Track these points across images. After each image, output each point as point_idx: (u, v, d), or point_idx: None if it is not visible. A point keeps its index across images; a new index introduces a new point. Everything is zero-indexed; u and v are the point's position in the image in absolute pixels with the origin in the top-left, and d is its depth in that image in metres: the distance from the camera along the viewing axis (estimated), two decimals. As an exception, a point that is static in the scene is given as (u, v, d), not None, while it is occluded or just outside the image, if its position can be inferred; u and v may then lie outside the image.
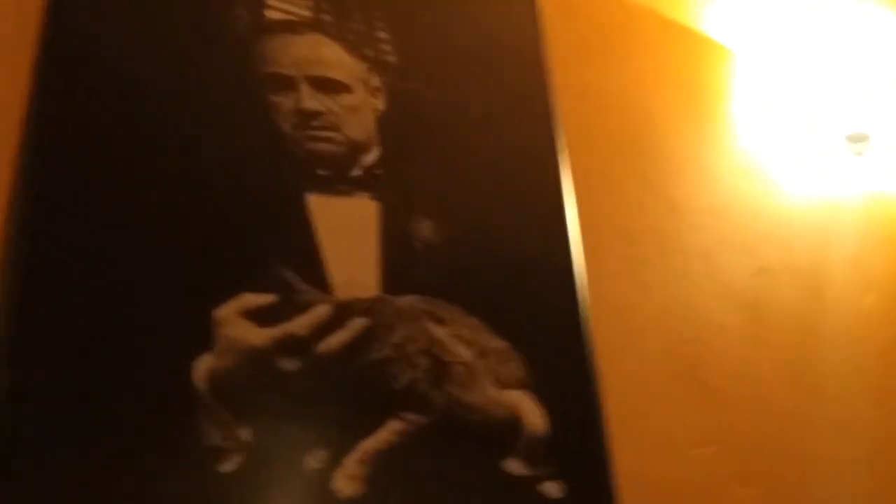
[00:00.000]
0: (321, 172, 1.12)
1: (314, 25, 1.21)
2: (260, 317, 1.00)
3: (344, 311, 1.05)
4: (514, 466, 1.06)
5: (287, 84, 1.14)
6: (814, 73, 1.58)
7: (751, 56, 1.57)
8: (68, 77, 1.02)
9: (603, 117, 1.38)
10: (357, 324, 1.05)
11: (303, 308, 1.03)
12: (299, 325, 1.01)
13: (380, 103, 1.21)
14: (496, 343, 1.12)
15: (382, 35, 1.25)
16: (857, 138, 1.54)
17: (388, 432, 1.01)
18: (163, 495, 0.89)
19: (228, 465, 0.92)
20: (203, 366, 0.95)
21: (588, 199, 1.27)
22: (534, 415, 1.10)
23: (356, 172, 1.15)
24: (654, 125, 1.43)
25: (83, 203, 0.97)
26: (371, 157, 1.17)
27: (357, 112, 1.18)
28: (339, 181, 1.13)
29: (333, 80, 1.18)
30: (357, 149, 1.16)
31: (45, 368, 0.89)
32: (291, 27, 1.19)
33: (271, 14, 1.18)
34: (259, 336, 0.99)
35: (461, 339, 1.10)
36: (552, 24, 1.36)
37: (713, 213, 1.41)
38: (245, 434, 0.94)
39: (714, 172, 1.45)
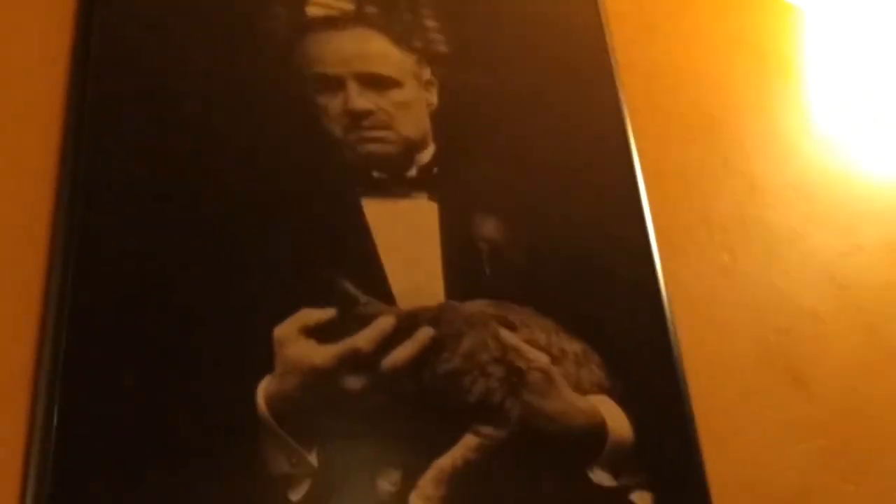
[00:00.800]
0: (376, 175, 1.07)
1: (358, 19, 1.16)
2: (321, 333, 0.95)
3: (409, 322, 1.00)
4: (601, 477, 1.01)
5: (334, 84, 1.10)
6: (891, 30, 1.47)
7: (822, 13, 1.47)
8: (108, 92, 0.98)
9: (672, 96, 1.31)
10: (423, 334, 1.00)
11: (365, 321, 0.98)
12: (363, 339, 0.97)
13: (433, 97, 1.16)
14: (573, 345, 1.07)
15: (431, 24, 1.20)
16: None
17: (464, 448, 0.96)
18: (230, 528, 0.85)
19: (297, 493, 0.88)
20: (265, 389, 0.90)
21: (662, 184, 1.20)
22: (618, 420, 1.05)
23: (412, 172, 1.10)
24: (728, 100, 1.35)
25: (136, 223, 0.93)
26: (427, 154, 1.12)
27: (409, 108, 1.13)
28: (395, 183, 1.08)
29: (382, 75, 1.13)
30: (412, 147, 1.11)
31: (101, 397, 0.84)
32: (334, 23, 1.14)
33: (312, 10, 1.14)
34: (321, 354, 0.94)
35: (535, 343, 1.05)
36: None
37: (797, 190, 1.33)
38: (312, 458, 0.90)
39: (795, 146, 1.37)
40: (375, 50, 1.15)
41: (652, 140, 1.23)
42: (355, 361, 0.95)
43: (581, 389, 1.05)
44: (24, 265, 0.85)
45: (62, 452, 0.80)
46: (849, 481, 1.16)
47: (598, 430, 1.03)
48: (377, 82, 1.12)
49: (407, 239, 1.05)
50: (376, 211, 1.05)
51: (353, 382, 0.94)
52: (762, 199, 1.31)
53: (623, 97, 1.24)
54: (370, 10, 1.17)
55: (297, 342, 0.94)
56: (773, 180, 1.33)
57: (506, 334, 1.04)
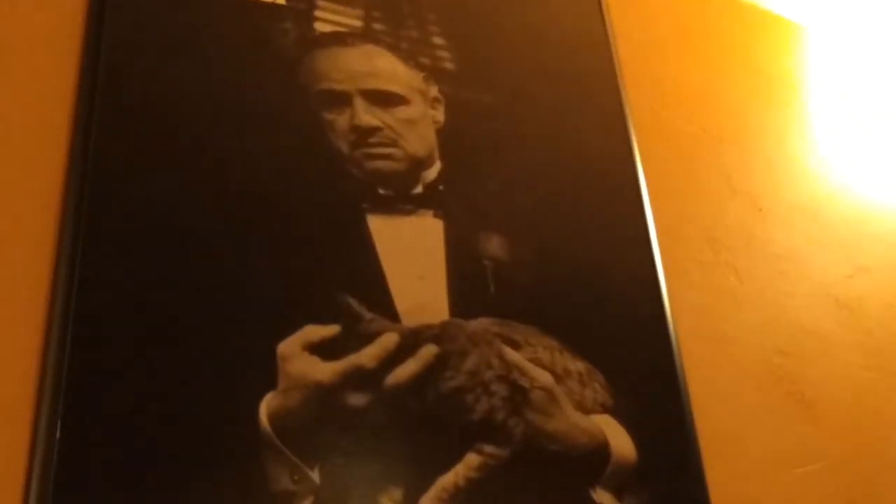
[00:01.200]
0: (382, 192, 1.07)
1: (366, 36, 1.16)
2: (325, 350, 0.95)
3: (413, 339, 0.99)
4: (603, 497, 1.00)
5: (341, 100, 1.09)
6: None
7: (825, 31, 1.47)
8: (116, 106, 0.98)
9: (679, 115, 1.31)
10: (427, 352, 0.99)
11: (369, 338, 0.97)
12: (366, 356, 0.96)
13: (439, 114, 1.15)
14: (576, 364, 1.06)
15: (438, 41, 1.19)
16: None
17: (467, 467, 0.96)
18: (231, 544, 0.84)
19: (299, 510, 0.87)
20: (268, 405, 0.90)
21: (667, 204, 1.20)
22: (621, 440, 1.04)
23: (418, 189, 1.09)
24: (735, 120, 1.34)
25: (142, 237, 0.93)
26: (433, 172, 1.11)
27: (416, 125, 1.13)
28: (400, 200, 1.07)
29: (389, 92, 1.13)
30: (418, 164, 1.11)
31: (104, 411, 0.84)
32: (342, 39, 1.14)
33: (321, 26, 1.14)
34: (324, 371, 0.94)
35: (539, 361, 1.04)
36: (618, 16, 1.29)
37: (802, 211, 1.32)
38: (315, 475, 0.89)
39: (801, 167, 1.36)
40: (382, 67, 1.15)
41: (658, 160, 1.22)
42: (359, 378, 0.95)
43: (584, 409, 1.04)
44: (28, 275, 0.84)
45: (64, 466, 0.79)
46: (849, 502, 1.15)
47: (601, 450, 1.03)
48: (384, 99, 1.12)
49: (412, 256, 1.05)
50: (381, 227, 1.04)
51: (357, 399, 0.94)
52: (767, 219, 1.30)
53: (629, 116, 1.24)
54: (378, 26, 1.17)
55: (301, 358, 0.93)
56: (779, 201, 1.32)
57: (509, 353, 1.03)
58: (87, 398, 0.83)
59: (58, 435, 0.80)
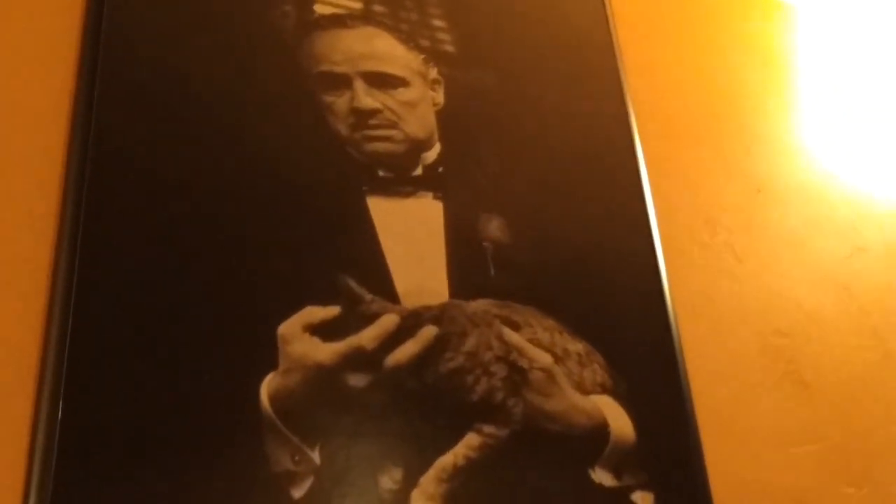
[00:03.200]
0: (382, 174, 1.07)
1: (366, 17, 1.16)
2: (325, 331, 0.95)
3: (413, 320, 1.00)
4: (602, 477, 1.01)
5: (340, 82, 1.09)
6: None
7: (817, 11, 1.46)
8: (114, 87, 0.98)
9: (678, 97, 1.30)
10: (427, 333, 1.00)
11: (369, 319, 0.98)
12: (366, 337, 0.96)
13: (439, 96, 1.15)
14: (576, 345, 1.06)
15: (438, 23, 1.19)
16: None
17: (466, 447, 0.96)
18: (232, 524, 0.85)
19: (299, 490, 0.88)
20: (268, 386, 0.90)
21: (667, 185, 1.20)
22: (620, 420, 1.05)
23: (418, 171, 1.09)
24: (734, 102, 1.34)
25: (137, 219, 0.93)
26: (433, 154, 1.11)
27: (416, 107, 1.13)
28: (400, 182, 1.08)
29: (389, 74, 1.13)
30: (418, 146, 1.11)
31: (105, 393, 0.84)
32: (342, 21, 1.14)
33: (320, 8, 1.13)
34: (325, 352, 0.94)
35: (538, 342, 1.05)
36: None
37: (801, 192, 1.32)
38: (315, 456, 0.89)
39: (799, 148, 1.35)
40: (382, 49, 1.14)
41: (657, 141, 1.22)
42: (359, 359, 0.95)
43: (583, 389, 1.05)
44: (29, 262, 0.85)
45: (65, 448, 0.80)
46: (849, 484, 1.16)
47: (600, 430, 1.03)
48: (384, 81, 1.12)
49: (412, 238, 1.05)
50: (381, 209, 1.04)
51: (357, 380, 0.94)
52: (766, 200, 1.30)
53: (629, 98, 1.23)
54: (378, 8, 1.17)
55: (302, 340, 0.94)
56: (777, 182, 1.32)
57: (509, 333, 1.04)
58: (88, 380, 0.84)
59: (59, 417, 0.80)
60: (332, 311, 0.97)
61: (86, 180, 0.91)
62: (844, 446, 1.18)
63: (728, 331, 1.19)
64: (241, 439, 0.88)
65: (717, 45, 1.38)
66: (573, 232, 1.14)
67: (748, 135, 1.33)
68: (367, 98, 1.09)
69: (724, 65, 1.37)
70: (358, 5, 1.16)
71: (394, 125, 1.10)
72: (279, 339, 0.93)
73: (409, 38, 1.17)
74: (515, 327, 1.05)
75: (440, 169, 1.11)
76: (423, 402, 0.97)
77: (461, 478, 0.94)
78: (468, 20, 1.22)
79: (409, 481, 0.92)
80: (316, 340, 0.94)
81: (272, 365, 0.92)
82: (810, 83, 1.42)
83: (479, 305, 1.04)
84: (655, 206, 1.18)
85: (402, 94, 1.12)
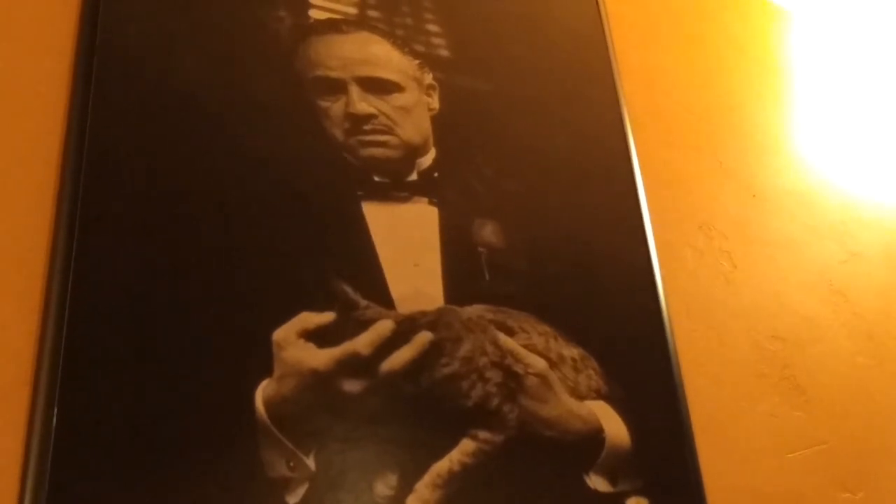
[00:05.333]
0: (377, 179, 1.07)
1: (361, 23, 1.15)
2: (320, 337, 0.95)
3: (408, 326, 0.99)
4: (598, 483, 1.01)
5: (336, 87, 1.09)
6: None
7: (808, 15, 1.47)
8: (109, 91, 0.97)
9: (673, 101, 1.30)
10: (422, 339, 0.99)
11: (364, 325, 0.98)
12: (361, 343, 0.96)
13: (434, 101, 1.15)
14: (571, 350, 1.06)
15: (433, 28, 1.19)
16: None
17: (461, 453, 0.96)
18: (227, 531, 0.84)
19: (294, 496, 0.87)
20: (263, 392, 0.90)
21: (662, 190, 1.20)
22: (615, 426, 1.04)
23: (413, 177, 1.09)
24: (729, 106, 1.34)
25: (136, 224, 0.93)
26: (428, 159, 1.11)
27: (411, 112, 1.12)
28: (395, 187, 1.07)
29: (384, 79, 1.13)
30: (413, 151, 1.11)
31: (99, 398, 0.84)
32: (337, 26, 1.14)
33: (315, 14, 1.13)
34: (320, 358, 0.94)
35: (533, 348, 1.05)
36: (612, 2, 1.28)
37: (796, 197, 1.32)
38: (310, 462, 0.89)
39: (794, 152, 1.36)
40: (377, 54, 1.14)
41: (652, 145, 1.22)
42: (354, 365, 0.95)
43: (579, 395, 1.05)
44: (25, 265, 0.84)
45: (59, 454, 0.79)
46: (845, 489, 1.16)
47: (595, 436, 1.03)
48: (379, 86, 1.12)
49: (407, 243, 1.05)
50: (377, 215, 1.04)
51: (352, 386, 0.94)
52: (761, 205, 1.30)
53: (623, 102, 1.23)
54: (372, 13, 1.17)
55: (296, 345, 0.93)
56: (773, 187, 1.32)
57: (504, 339, 1.04)
58: (83, 385, 0.83)
59: (54, 422, 0.80)
60: (327, 316, 0.96)
61: (81, 186, 0.91)
62: (840, 451, 1.18)
63: (724, 335, 1.19)
64: (237, 445, 0.88)
65: (712, 49, 1.38)
66: (568, 237, 1.14)
67: (744, 140, 1.33)
68: (362, 103, 1.09)
69: (719, 69, 1.37)
70: (353, 10, 1.16)
71: (389, 130, 1.10)
72: (274, 345, 0.93)
73: (404, 44, 1.17)
74: (510, 333, 1.04)
75: (435, 174, 1.11)
76: (419, 407, 0.97)
77: (456, 483, 0.94)
78: (463, 25, 1.22)
79: (405, 487, 0.92)
80: (311, 346, 0.94)
81: (267, 371, 0.91)
82: (806, 88, 1.43)
83: (474, 311, 1.04)
84: (650, 212, 1.18)
85: (398, 99, 1.12)
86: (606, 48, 1.27)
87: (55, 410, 0.80)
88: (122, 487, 0.82)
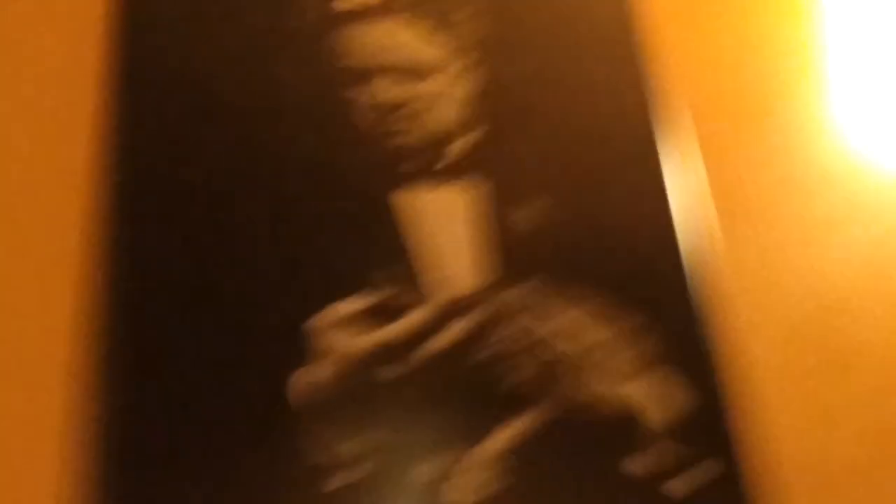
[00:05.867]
0: (407, 167, 1.07)
1: (386, 10, 1.15)
2: (355, 325, 0.96)
3: (442, 312, 1.00)
4: (635, 466, 0.99)
5: (362, 76, 1.09)
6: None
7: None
8: (140, 87, 0.99)
9: (712, 81, 1.29)
10: (457, 324, 0.99)
11: (399, 312, 0.98)
12: (397, 330, 0.97)
13: (464, 86, 1.14)
14: (609, 333, 1.05)
15: (461, 15, 1.18)
16: None
17: (500, 439, 0.96)
18: (266, 519, 0.86)
19: (332, 484, 0.88)
20: (299, 381, 0.91)
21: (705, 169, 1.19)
22: (654, 409, 1.03)
23: (444, 162, 1.09)
24: (770, 81, 1.32)
25: (174, 220, 0.95)
26: (458, 144, 1.11)
27: (440, 98, 1.12)
28: (426, 174, 1.07)
29: (411, 67, 1.13)
30: (443, 137, 1.10)
31: (143, 389, 0.87)
32: (362, 15, 1.14)
33: (340, 4, 1.13)
34: (355, 345, 0.95)
35: (569, 332, 1.03)
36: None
37: (836, 176, 1.31)
38: (348, 449, 0.90)
39: (835, 134, 1.33)
40: (404, 42, 1.14)
41: (695, 124, 1.22)
42: (389, 352, 0.96)
43: (617, 378, 1.03)
44: (72, 263, 0.86)
45: (105, 448, 0.83)
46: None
47: (633, 419, 1.02)
48: (405, 74, 1.12)
49: (439, 230, 1.05)
50: (409, 202, 1.04)
51: (388, 373, 0.95)
52: (801, 185, 1.28)
53: (658, 81, 1.22)
54: (398, 1, 1.17)
55: (332, 334, 0.94)
56: (813, 168, 1.30)
57: (540, 324, 1.03)
58: (127, 379, 0.86)
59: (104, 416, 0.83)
60: (362, 304, 0.97)
61: (118, 182, 0.93)
62: (888, 426, 1.16)
63: (768, 312, 1.17)
64: (274, 434, 0.89)
65: (756, 27, 1.37)
66: (605, 218, 1.12)
67: (778, 121, 1.31)
68: (388, 92, 1.09)
69: (752, 53, 1.35)
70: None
71: (418, 118, 1.10)
72: (309, 334, 0.94)
73: (432, 30, 1.16)
74: (546, 317, 1.04)
75: (466, 160, 1.10)
76: (455, 394, 0.97)
77: (495, 469, 0.94)
78: (490, 11, 1.21)
79: (443, 473, 0.92)
80: (346, 334, 0.95)
81: (303, 359, 0.93)
82: (850, 66, 1.40)
83: (509, 296, 1.03)
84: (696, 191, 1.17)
85: (425, 86, 1.12)
86: (639, 29, 1.25)
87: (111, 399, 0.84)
88: (164, 477, 0.84)
